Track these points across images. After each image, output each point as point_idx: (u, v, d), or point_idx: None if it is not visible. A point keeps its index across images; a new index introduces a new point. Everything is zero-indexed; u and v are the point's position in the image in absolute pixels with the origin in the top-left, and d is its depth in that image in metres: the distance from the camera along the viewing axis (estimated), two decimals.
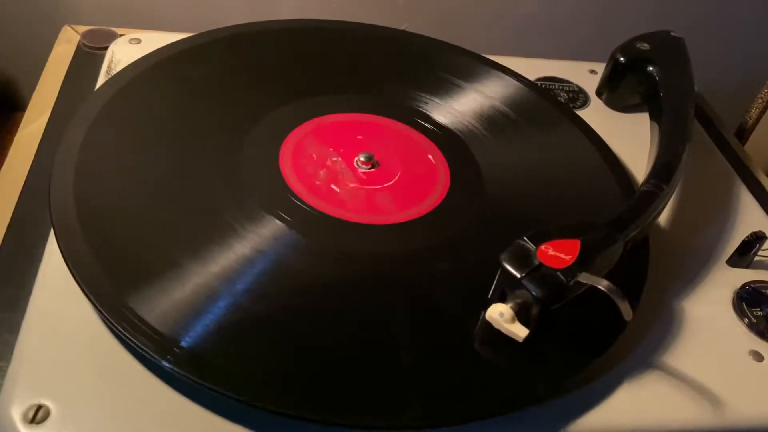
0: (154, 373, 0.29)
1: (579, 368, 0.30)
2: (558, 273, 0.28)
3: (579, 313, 0.31)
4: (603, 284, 0.27)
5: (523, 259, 0.28)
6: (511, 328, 0.28)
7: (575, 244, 0.29)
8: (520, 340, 0.29)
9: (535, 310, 0.28)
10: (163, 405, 0.28)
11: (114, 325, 0.28)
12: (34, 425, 0.26)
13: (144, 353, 0.28)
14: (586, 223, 0.31)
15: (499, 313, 0.28)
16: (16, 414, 0.26)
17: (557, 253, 0.28)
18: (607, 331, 0.32)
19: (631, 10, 0.69)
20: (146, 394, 0.28)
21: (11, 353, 0.29)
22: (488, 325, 0.30)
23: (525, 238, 0.29)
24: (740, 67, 0.74)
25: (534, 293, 0.27)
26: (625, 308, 0.26)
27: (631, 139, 0.45)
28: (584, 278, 0.28)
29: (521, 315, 0.29)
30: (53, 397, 0.27)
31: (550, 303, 0.28)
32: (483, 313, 0.30)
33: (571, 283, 0.28)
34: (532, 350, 0.30)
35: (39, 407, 0.27)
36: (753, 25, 0.72)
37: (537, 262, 0.28)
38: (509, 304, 0.29)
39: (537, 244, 0.29)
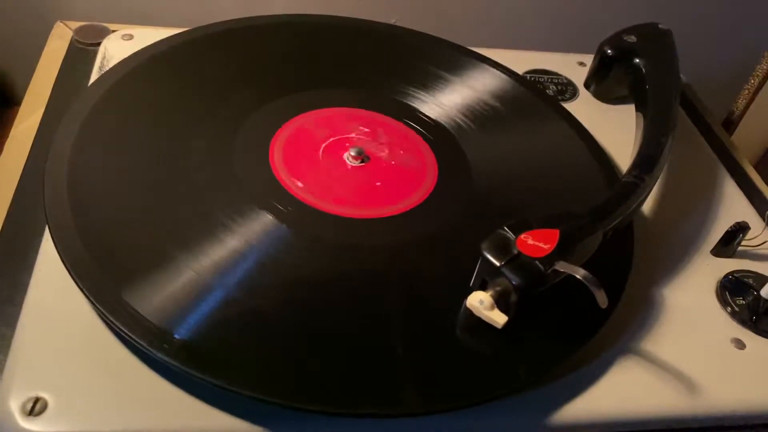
0: (149, 364, 0.29)
1: (563, 357, 0.31)
2: (536, 262, 0.28)
3: (565, 302, 0.31)
4: (580, 273, 0.27)
5: (502, 248, 0.29)
6: (491, 315, 0.29)
7: (554, 234, 0.29)
8: (499, 327, 0.29)
9: (514, 298, 0.28)
10: (157, 396, 0.28)
11: (108, 318, 0.28)
12: (32, 417, 0.27)
13: (138, 345, 0.28)
14: (565, 213, 0.31)
15: (479, 301, 0.29)
16: (15, 406, 0.27)
17: (536, 243, 0.29)
18: (592, 319, 0.32)
19: (620, 3, 0.69)
20: (141, 386, 0.28)
21: (9, 347, 0.29)
22: (469, 313, 0.30)
23: (505, 227, 0.30)
24: (728, 59, 0.74)
25: (513, 281, 0.28)
26: (601, 296, 0.27)
27: (619, 131, 0.45)
28: (562, 267, 0.28)
29: (501, 303, 0.29)
30: (50, 389, 0.27)
31: (529, 291, 0.28)
32: (464, 301, 0.30)
33: (549, 271, 0.28)
34: (516, 338, 0.30)
35: (37, 399, 0.27)
36: (740, 16, 0.72)
37: (516, 251, 0.29)
38: (489, 292, 0.29)
39: (517, 233, 0.29)
